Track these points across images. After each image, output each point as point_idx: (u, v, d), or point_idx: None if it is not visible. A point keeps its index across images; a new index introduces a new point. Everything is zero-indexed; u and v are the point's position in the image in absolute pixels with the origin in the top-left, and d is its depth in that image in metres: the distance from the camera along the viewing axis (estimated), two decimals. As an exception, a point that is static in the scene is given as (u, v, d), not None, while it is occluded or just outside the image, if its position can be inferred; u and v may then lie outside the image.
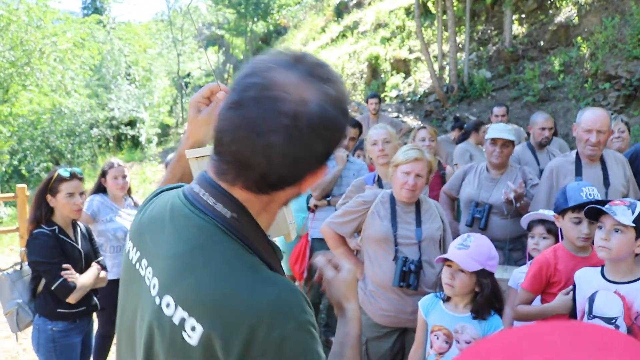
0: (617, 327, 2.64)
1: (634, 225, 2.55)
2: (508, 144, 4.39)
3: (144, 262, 1.21)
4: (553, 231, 3.44)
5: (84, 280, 3.49)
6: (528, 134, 7.00)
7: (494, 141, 4.35)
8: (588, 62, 10.79)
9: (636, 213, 2.58)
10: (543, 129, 5.57)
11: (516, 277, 3.65)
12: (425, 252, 3.46)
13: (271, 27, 27.03)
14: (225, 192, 1.13)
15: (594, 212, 2.71)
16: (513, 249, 4.33)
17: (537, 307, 3.11)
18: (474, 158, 7.14)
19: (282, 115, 1.01)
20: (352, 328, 1.38)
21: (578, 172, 4.07)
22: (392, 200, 3.54)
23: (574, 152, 4.20)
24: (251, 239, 1.14)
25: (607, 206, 2.63)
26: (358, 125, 5.26)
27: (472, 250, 2.83)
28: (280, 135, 1.01)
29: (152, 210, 1.28)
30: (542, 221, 3.49)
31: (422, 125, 5.85)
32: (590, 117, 3.96)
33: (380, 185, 4.24)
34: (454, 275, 2.84)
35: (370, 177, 4.36)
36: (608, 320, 2.66)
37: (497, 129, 4.44)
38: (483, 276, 2.83)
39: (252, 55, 18.38)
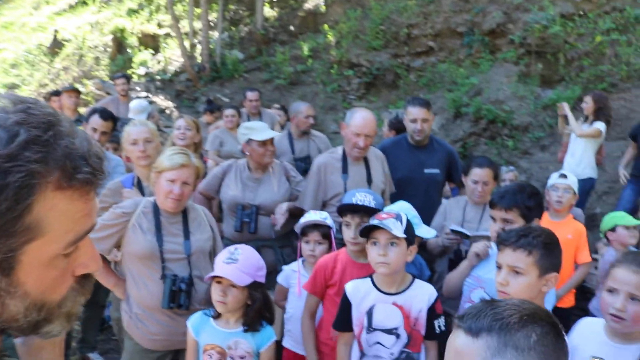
0: (398, 335, 2.69)
1: (405, 236, 2.60)
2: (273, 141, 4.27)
3: None
4: (328, 236, 3.42)
5: None
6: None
7: (263, 143, 4.17)
8: (334, 50, 11.40)
9: (404, 224, 2.62)
10: (307, 116, 5.68)
11: (287, 275, 3.57)
12: (195, 266, 3.17)
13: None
14: None
15: (367, 228, 2.69)
16: (283, 245, 4.26)
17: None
18: (225, 144, 6.98)
19: None
20: None
21: (344, 170, 4.16)
22: (156, 209, 3.15)
23: (340, 149, 4.27)
24: None
25: (378, 222, 2.63)
26: (112, 118, 4.65)
27: (241, 263, 2.69)
28: None
29: None
30: (317, 226, 3.44)
31: (180, 114, 5.46)
32: (360, 122, 4.04)
33: (141, 189, 3.77)
34: (225, 291, 2.68)
35: (128, 179, 3.85)
36: (389, 331, 2.69)
37: (263, 128, 4.29)
38: (254, 288, 2.72)
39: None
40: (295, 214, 4.24)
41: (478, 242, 3.15)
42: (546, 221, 3.98)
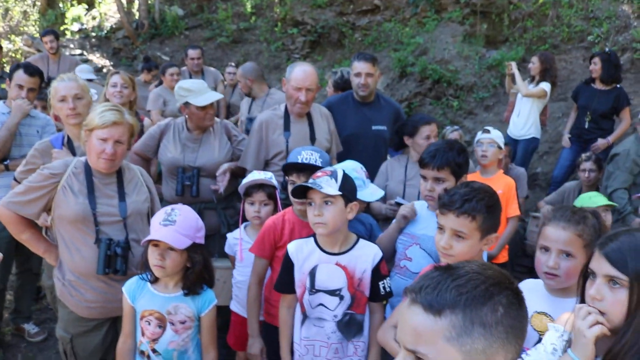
0: (342, 297, 2.63)
1: (340, 193, 2.51)
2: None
3: None
4: (274, 196, 3.31)
5: None
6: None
7: (202, 107, 3.98)
8: (278, 7, 11.09)
9: (339, 181, 2.54)
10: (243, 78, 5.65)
11: (231, 243, 3.46)
12: (132, 229, 3.02)
13: None
14: None
15: (301, 190, 2.60)
16: (226, 207, 4.13)
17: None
18: (168, 104, 6.76)
19: None
20: None
21: (287, 127, 4.04)
22: (88, 170, 2.96)
23: (282, 106, 4.14)
24: None
25: (311, 181, 2.55)
26: (38, 72, 4.34)
27: (179, 225, 2.55)
28: None
29: None
30: (261, 186, 3.32)
31: (115, 70, 5.18)
32: (300, 76, 3.93)
33: (72, 149, 3.55)
34: (163, 255, 2.54)
35: (58, 138, 3.61)
36: (332, 293, 2.63)
37: (201, 90, 4.07)
38: (194, 251, 2.59)
39: None
40: (238, 174, 4.12)
41: (405, 205, 3.11)
42: (477, 179, 3.98)
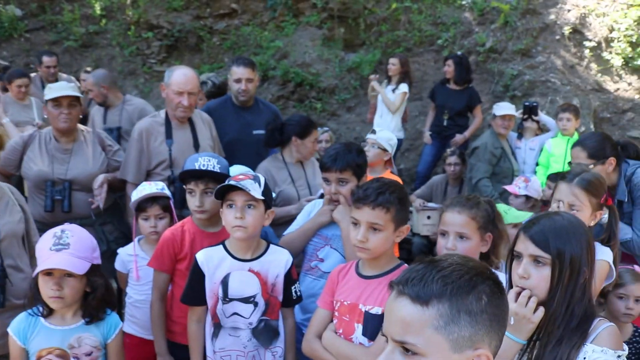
0: (256, 304, 2.57)
1: (263, 198, 2.48)
2: (75, 102, 3.76)
3: None
4: (169, 208, 3.14)
5: None
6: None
7: (57, 101, 3.66)
8: (130, 9, 10.56)
9: (262, 185, 2.51)
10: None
11: (124, 260, 3.23)
12: (7, 254, 2.74)
13: None
14: None
15: (223, 190, 2.51)
16: (104, 223, 3.85)
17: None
18: (10, 115, 6.16)
19: None
20: None
21: (169, 135, 3.88)
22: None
23: (162, 113, 3.96)
24: None
25: (235, 182, 2.47)
26: None
27: (74, 247, 2.31)
28: None
29: None
30: (154, 199, 3.13)
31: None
32: (181, 79, 3.78)
33: None
34: (60, 284, 2.27)
35: None
36: (246, 300, 2.56)
37: (59, 87, 3.82)
38: (93, 274, 2.36)
39: None
40: (115, 186, 3.88)
41: (321, 209, 3.13)
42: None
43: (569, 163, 3.54)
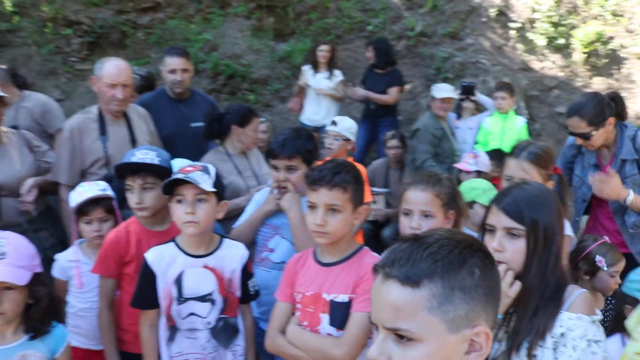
0: (213, 301, 2.45)
1: (215, 190, 2.35)
2: (3, 102, 3.54)
3: None
4: (112, 209, 2.94)
5: None
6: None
7: None
8: (45, 5, 10.01)
9: (213, 177, 2.38)
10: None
11: (63, 266, 3.01)
12: None
13: None
14: None
15: (170, 184, 2.36)
16: (38, 229, 3.59)
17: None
18: None
19: None
20: None
21: (103, 131, 3.67)
22: None
23: (94, 108, 3.74)
24: None
25: (183, 175, 2.33)
26: None
27: (12, 256, 2.10)
28: None
29: None
30: (96, 201, 2.92)
31: None
32: (113, 71, 3.60)
33: None
34: None
35: None
36: (203, 298, 2.43)
37: None
38: (35, 283, 2.16)
39: None
40: (47, 189, 3.63)
41: (267, 197, 3.02)
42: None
43: (570, 133, 3.42)
